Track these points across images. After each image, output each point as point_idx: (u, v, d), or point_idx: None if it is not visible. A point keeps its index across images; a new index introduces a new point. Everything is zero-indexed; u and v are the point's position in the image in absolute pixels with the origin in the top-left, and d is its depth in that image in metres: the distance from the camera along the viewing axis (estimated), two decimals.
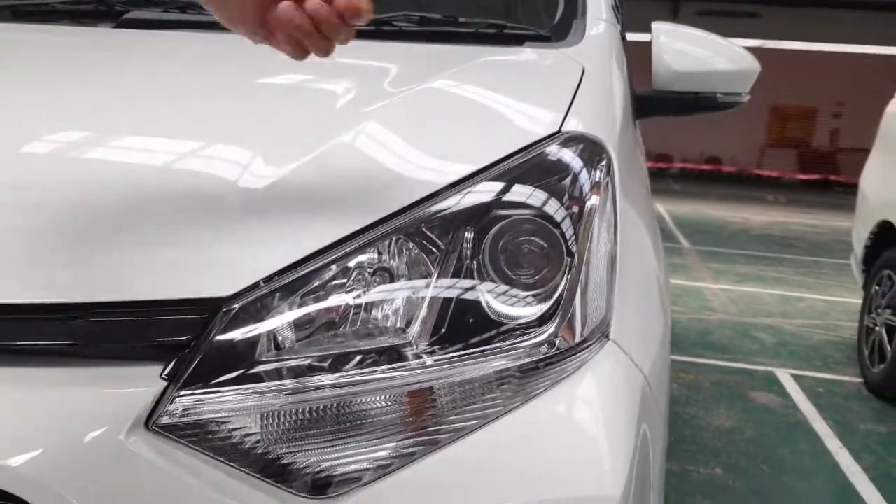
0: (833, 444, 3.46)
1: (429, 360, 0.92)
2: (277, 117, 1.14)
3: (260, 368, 0.90)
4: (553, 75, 1.38)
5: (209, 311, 0.89)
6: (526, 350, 0.93)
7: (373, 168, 1.03)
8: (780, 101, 19.88)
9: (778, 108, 20.40)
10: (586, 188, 1.06)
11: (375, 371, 0.91)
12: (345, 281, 0.98)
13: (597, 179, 1.09)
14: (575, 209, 1.03)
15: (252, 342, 0.91)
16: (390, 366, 0.91)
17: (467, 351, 0.93)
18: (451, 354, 0.93)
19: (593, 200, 1.06)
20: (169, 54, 1.48)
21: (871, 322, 4.33)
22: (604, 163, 1.12)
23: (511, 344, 0.94)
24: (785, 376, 4.38)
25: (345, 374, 0.91)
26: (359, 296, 0.97)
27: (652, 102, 2.00)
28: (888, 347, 4.04)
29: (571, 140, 1.11)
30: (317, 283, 0.95)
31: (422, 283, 0.98)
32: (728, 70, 2.01)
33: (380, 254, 1.00)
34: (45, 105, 1.16)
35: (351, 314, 0.96)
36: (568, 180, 1.06)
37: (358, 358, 0.93)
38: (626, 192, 1.22)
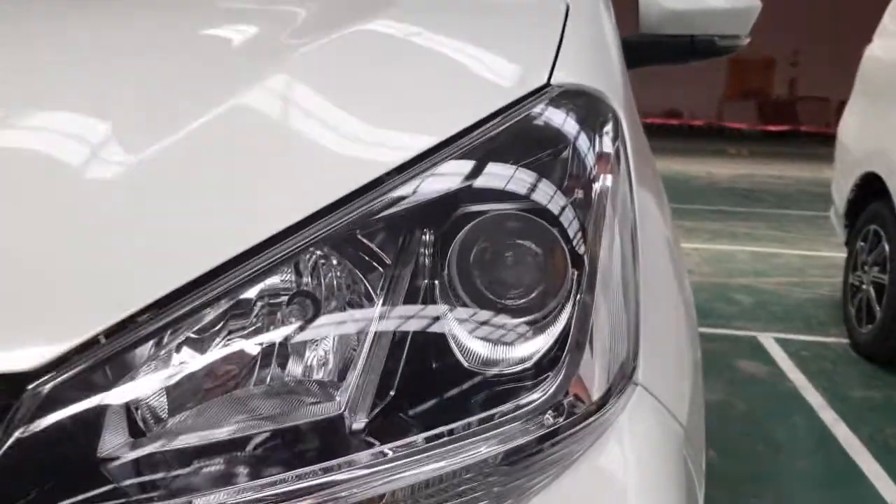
0: (828, 416, 3.24)
1: (364, 457, 0.60)
2: (138, 79, 0.78)
3: (92, 492, 0.57)
4: (531, 13, 1.04)
5: (5, 394, 0.57)
6: (519, 424, 0.62)
7: (281, 147, 0.70)
8: (738, 53, 19.73)
9: (736, 60, 20.25)
10: (591, 163, 0.74)
11: (285, 478, 0.59)
12: (242, 322, 0.65)
13: (604, 150, 0.77)
14: (579, 195, 0.71)
15: (81, 439, 0.58)
16: (298, 472, 0.60)
17: (429, 433, 0.61)
18: (406, 442, 0.61)
19: (603, 181, 0.74)
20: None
21: (857, 280, 4.11)
22: (610, 126, 0.80)
23: (496, 414, 0.62)
24: (768, 341, 4.16)
25: (239, 487, 0.59)
26: (263, 343, 0.64)
27: (640, 49, 1.67)
28: (877, 307, 3.83)
29: (566, 96, 0.79)
30: (194, 329, 0.63)
31: (359, 316, 0.66)
32: (727, 8, 1.69)
33: (297, 275, 0.67)
34: None
35: (253, 373, 0.64)
36: (566, 153, 0.74)
37: (258, 450, 0.61)
38: (638, 168, 0.90)
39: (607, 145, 0.78)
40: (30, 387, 0.56)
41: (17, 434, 0.56)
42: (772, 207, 9.08)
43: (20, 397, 0.56)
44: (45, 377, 0.57)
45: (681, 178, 10.92)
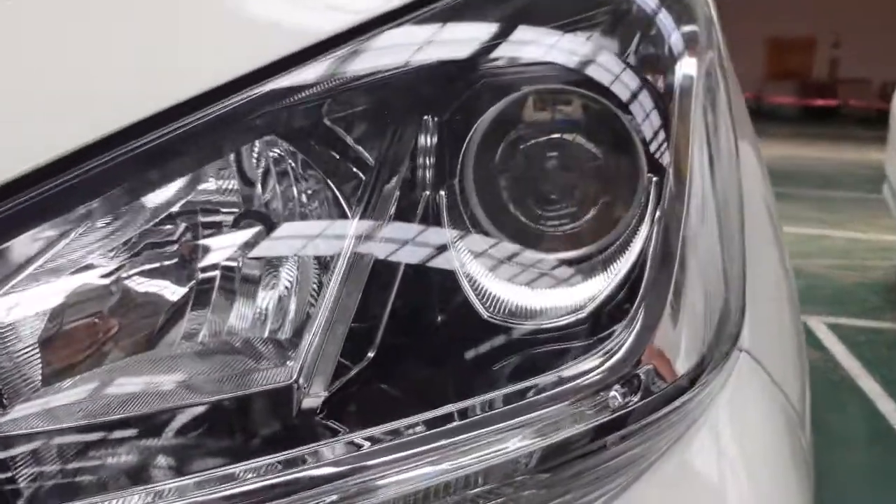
0: (887, 407, 2.98)
1: (335, 449, 0.38)
2: None
3: None
4: None
5: None
6: (566, 407, 0.39)
7: None
8: (777, 33, 19.15)
9: (775, 40, 19.68)
10: (677, 43, 0.50)
11: (209, 480, 0.37)
12: (159, 245, 0.44)
13: (694, 29, 0.52)
14: (658, 78, 0.47)
15: None
16: (227, 469, 0.38)
17: (426, 415, 0.38)
18: (390, 428, 0.38)
19: (692, 68, 0.50)
20: None
21: None
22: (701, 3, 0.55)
23: (530, 388, 0.39)
24: (819, 326, 3.88)
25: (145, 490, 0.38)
26: (191, 281, 0.43)
27: None
28: None
29: None
30: (73, 249, 0.41)
31: (326, 242, 0.44)
32: None
33: (241, 179, 0.46)
34: None
35: (179, 321, 0.43)
36: (634, 19, 0.50)
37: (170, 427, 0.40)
38: (729, 73, 0.66)
39: (696, 24, 0.53)
40: None
41: None
42: (816, 188, 8.77)
43: None
44: None
45: None
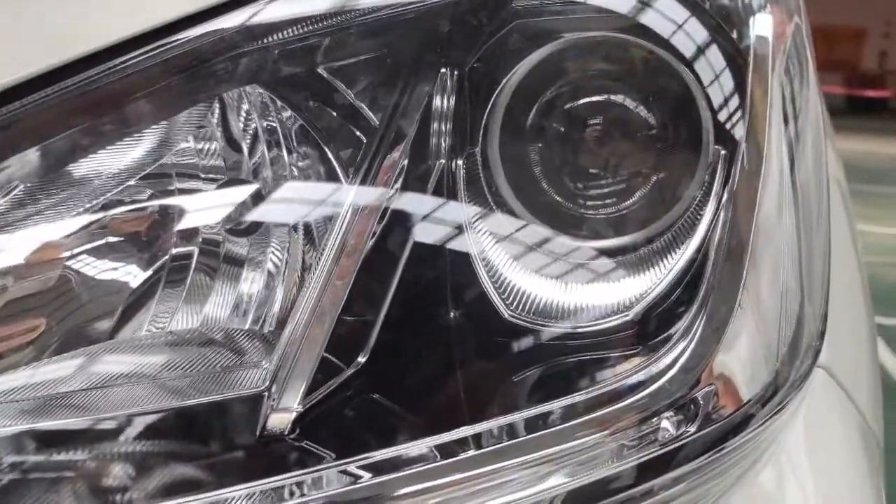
0: None
1: (324, 479, 0.31)
2: None
3: None
4: None
5: None
6: (604, 437, 0.31)
7: None
8: (825, 21, 18.70)
9: (823, 29, 19.23)
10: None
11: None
12: (119, 210, 0.37)
13: None
14: (730, 34, 0.39)
15: None
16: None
17: (435, 439, 0.31)
18: (387, 456, 0.31)
19: (771, 28, 0.41)
20: None
21: None
22: None
23: (559, 412, 0.31)
24: None
25: None
26: (161, 254, 0.36)
27: None
28: None
29: None
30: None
31: (319, 215, 0.36)
32: None
33: (230, 146, 0.38)
34: None
35: (146, 306, 0.36)
36: None
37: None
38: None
39: None
40: None
41: None
42: (863, 183, 8.57)
43: None
44: None
45: None
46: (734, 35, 0.39)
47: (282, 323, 0.36)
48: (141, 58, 0.32)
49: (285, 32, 0.34)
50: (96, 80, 0.31)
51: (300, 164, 0.39)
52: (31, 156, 0.32)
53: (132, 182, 0.38)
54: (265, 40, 0.34)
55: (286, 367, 0.32)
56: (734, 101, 0.37)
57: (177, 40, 0.32)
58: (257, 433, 0.31)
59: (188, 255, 0.38)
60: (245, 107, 0.39)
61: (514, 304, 0.35)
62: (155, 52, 0.32)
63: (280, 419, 0.31)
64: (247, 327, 0.38)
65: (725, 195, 0.35)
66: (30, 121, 0.31)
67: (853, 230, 0.68)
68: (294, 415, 0.31)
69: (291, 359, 0.33)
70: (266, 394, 0.32)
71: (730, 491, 0.35)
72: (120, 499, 0.31)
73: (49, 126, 0.31)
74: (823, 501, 0.38)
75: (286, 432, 0.31)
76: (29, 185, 0.33)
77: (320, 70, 0.37)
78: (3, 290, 0.33)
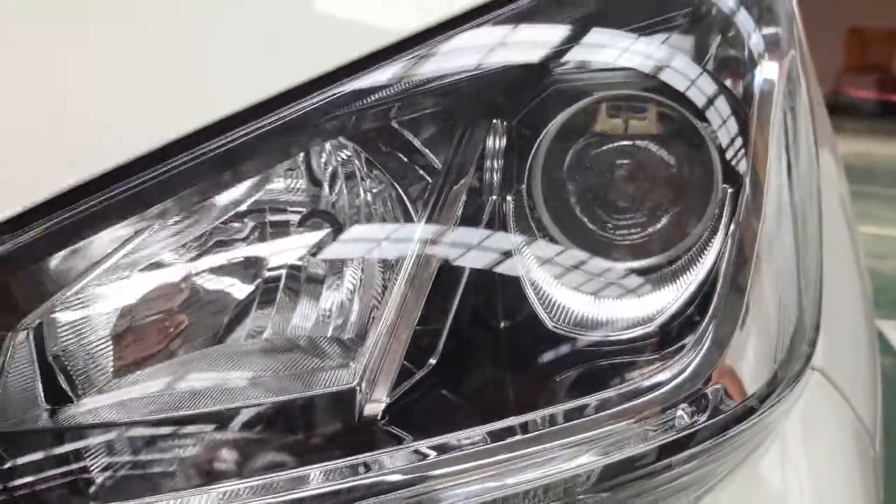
0: None
1: (400, 457, 0.38)
2: None
3: None
4: None
5: None
6: (632, 424, 0.38)
7: None
8: (859, 23, 18.39)
9: (856, 31, 18.91)
10: (757, 45, 0.48)
11: (274, 483, 0.38)
12: (227, 242, 0.45)
13: (774, 31, 0.50)
14: (736, 83, 0.46)
15: None
16: (294, 473, 0.38)
17: (490, 427, 0.38)
18: (453, 439, 0.38)
19: (773, 72, 0.48)
20: None
21: None
22: (783, 4, 0.53)
23: (595, 404, 0.39)
24: (892, 331, 3.74)
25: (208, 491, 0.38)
26: (258, 278, 0.44)
27: None
28: None
29: None
30: (147, 243, 0.42)
31: (391, 244, 0.44)
32: None
33: (310, 180, 0.46)
34: None
35: (241, 322, 0.44)
36: (712, 23, 0.48)
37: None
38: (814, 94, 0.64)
39: (777, 27, 0.51)
40: None
41: None
42: (891, 187, 8.44)
43: None
44: None
45: None
46: (740, 83, 0.46)
47: (361, 331, 0.44)
48: (263, 121, 0.40)
49: (369, 99, 0.41)
50: (224, 143, 0.39)
51: (374, 198, 0.46)
52: (178, 200, 0.40)
53: (232, 213, 0.46)
54: (353, 106, 0.41)
55: (374, 367, 0.40)
56: (738, 145, 0.44)
57: (283, 112, 0.40)
58: (356, 418, 0.39)
59: (278, 278, 0.46)
60: (327, 149, 0.46)
61: (556, 316, 0.42)
62: (268, 119, 0.40)
63: (373, 408, 0.39)
64: (328, 335, 0.46)
65: (732, 226, 0.42)
66: (179, 173, 0.39)
67: (854, 238, 0.73)
68: (384, 405, 0.39)
69: (379, 361, 0.40)
70: (358, 388, 0.40)
71: (735, 472, 0.42)
72: (258, 463, 0.39)
73: (193, 177, 0.39)
74: (814, 491, 0.45)
75: (379, 418, 0.39)
76: (173, 219, 0.41)
77: (393, 123, 0.44)
78: (180, 291, 0.42)
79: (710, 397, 0.39)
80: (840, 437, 0.48)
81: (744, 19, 0.49)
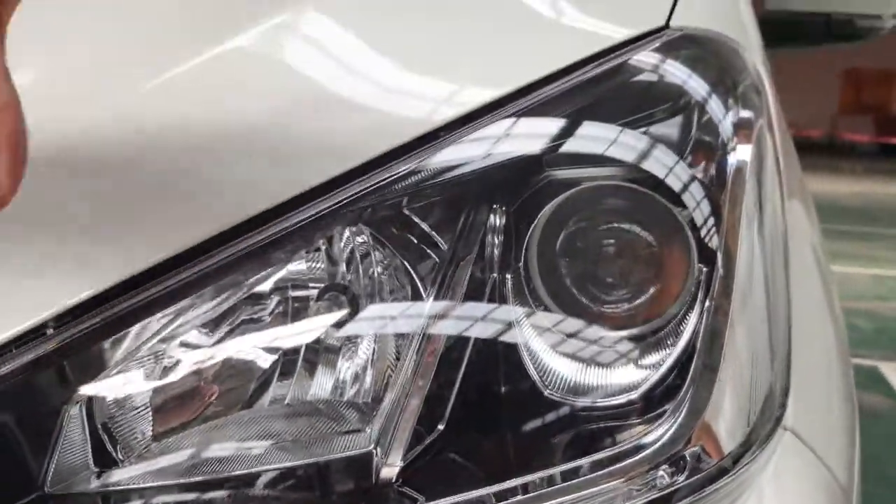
0: None
1: None
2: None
3: None
4: None
5: None
6: (619, 483, 0.43)
7: (307, 99, 0.52)
8: (854, 64, 18.63)
9: (852, 72, 19.14)
10: (727, 131, 0.54)
11: None
12: (254, 320, 0.49)
13: (744, 116, 0.56)
14: (710, 169, 0.52)
15: (21, 464, 0.43)
16: None
17: (492, 488, 0.43)
18: (459, 500, 0.43)
19: (742, 154, 0.54)
20: None
21: None
22: (750, 85, 0.59)
23: (587, 466, 0.43)
24: (892, 372, 3.77)
25: None
26: (282, 349, 0.48)
27: (767, 29, 1.44)
28: None
29: (691, 42, 0.59)
30: (185, 325, 0.47)
31: (403, 318, 0.49)
32: None
33: (329, 262, 0.51)
34: None
35: (266, 389, 0.49)
36: (689, 115, 0.54)
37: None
38: (785, 152, 0.70)
39: (747, 110, 0.57)
40: None
41: None
42: (891, 227, 8.48)
43: None
44: None
45: None
46: (713, 167, 0.52)
47: (376, 396, 0.49)
48: (290, 219, 0.45)
49: (390, 190, 0.47)
50: (261, 237, 0.45)
51: (386, 275, 0.51)
52: (216, 287, 0.45)
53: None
54: (371, 198, 0.47)
55: (388, 432, 0.45)
56: (711, 224, 0.49)
57: (314, 205, 0.46)
58: (373, 481, 0.44)
59: (298, 349, 0.51)
60: (345, 234, 0.52)
61: (550, 382, 0.47)
62: (301, 214, 0.45)
63: (389, 471, 0.44)
64: (345, 399, 0.51)
65: (707, 302, 0.47)
66: (218, 269, 0.44)
67: (828, 288, 0.77)
68: (398, 468, 0.44)
69: (392, 426, 0.45)
70: (374, 452, 0.44)
71: None
72: None
73: (230, 269, 0.45)
74: None
75: (393, 480, 0.44)
76: (207, 303, 0.46)
77: (404, 210, 0.50)
78: (212, 363, 0.47)
79: (689, 459, 0.44)
80: (813, 493, 0.52)
81: (715, 106, 0.55)
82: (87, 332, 0.43)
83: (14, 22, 0.33)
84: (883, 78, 18.92)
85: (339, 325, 0.50)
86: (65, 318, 0.43)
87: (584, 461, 0.44)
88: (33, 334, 0.43)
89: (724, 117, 0.55)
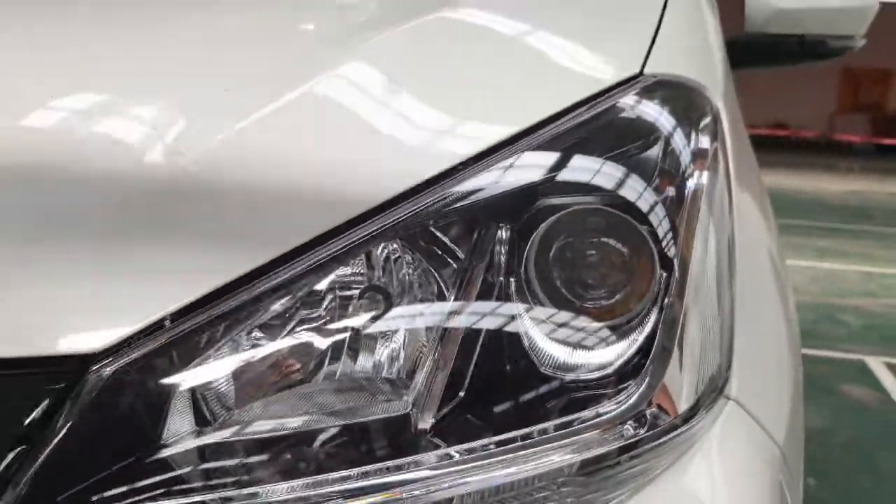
0: None
1: (430, 459, 0.56)
2: (194, 65, 0.74)
3: (155, 478, 0.56)
4: (625, 2, 0.99)
5: (68, 375, 0.56)
6: (597, 433, 0.57)
7: (353, 135, 0.67)
8: (853, 63, 18.76)
9: (850, 71, 19.28)
10: (686, 160, 0.68)
11: (350, 475, 0.57)
12: (312, 314, 0.63)
13: (701, 146, 0.71)
14: (671, 193, 0.66)
15: (144, 424, 0.57)
16: (364, 469, 0.56)
17: (500, 437, 0.57)
18: (475, 445, 0.57)
19: (698, 179, 0.68)
20: None
21: None
22: (709, 121, 0.74)
23: (573, 421, 0.57)
24: (878, 366, 3.90)
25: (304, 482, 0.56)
26: (333, 336, 0.62)
27: (746, 50, 1.58)
28: None
29: (660, 87, 0.73)
30: (264, 318, 0.61)
31: (430, 313, 0.62)
32: (840, 6, 1.58)
33: (369, 268, 0.64)
34: None
35: (321, 367, 0.62)
36: (658, 148, 0.68)
37: (324, 445, 0.59)
38: (739, 171, 0.84)
39: (704, 142, 0.72)
40: (92, 368, 0.55)
41: (77, 416, 0.55)
42: (885, 226, 8.58)
43: (83, 379, 0.55)
44: (108, 360, 0.56)
45: (792, 193, 10.45)
46: (674, 191, 0.66)
47: (409, 374, 0.62)
48: (353, 236, 0.59)
49: (421, 215, 0.61)
50: (330, 252, 0.59)
51: (415, 278, 0.65)
52: (294, 288, 0.59)
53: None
54: (407, 221, 0.61)
55: (422, 399, 0.59)
56: (670, 239, 0.63)
57: (368, 226, 0.60)
58: (413, 431, 0.58)
59: (344, 337, 0.64)
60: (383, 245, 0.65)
61: (545, 362, 0.61)
62: (359, 233, 0.60)
63: (424, 425, 0.58)
64: (383, 375, 0.64)
65: (667, 300, 0.61)
66: (299, 276, 0.58)
67: (782, 288, 0.91)
68: (431, 423, 0.58)
69: (425, 394, 0.59)
70: (412, 412, 0.58)
71: (669, 472, 0.60)
72: (335, 466, 0.58)
73: (305, 276, 0.59)
74: (727, 492, 0.63)
75: (427, 431, 0.58)
76: (282, 299, 0.60)
77: (430, 227, 0.64)
78: (260, 354, 0.60)
79: (649, 417, 0.58)
80: (752, 453, 0.66)
81: (678, 139, 0.69)
82: (194, 327, 0.57)
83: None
84: (880, 77, 18.92)
85: (376, 318, 0.63)
86: (179, 315, 0.57)
87: (570, 417, 0.58)
88: (155, 326, 0.57)
89: (684, 149, 0.69)
